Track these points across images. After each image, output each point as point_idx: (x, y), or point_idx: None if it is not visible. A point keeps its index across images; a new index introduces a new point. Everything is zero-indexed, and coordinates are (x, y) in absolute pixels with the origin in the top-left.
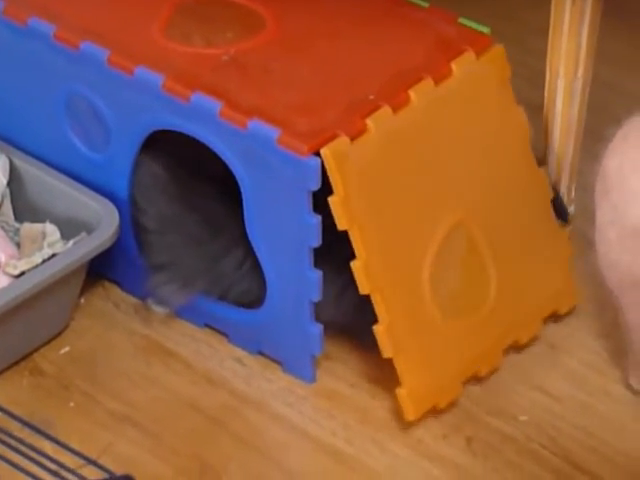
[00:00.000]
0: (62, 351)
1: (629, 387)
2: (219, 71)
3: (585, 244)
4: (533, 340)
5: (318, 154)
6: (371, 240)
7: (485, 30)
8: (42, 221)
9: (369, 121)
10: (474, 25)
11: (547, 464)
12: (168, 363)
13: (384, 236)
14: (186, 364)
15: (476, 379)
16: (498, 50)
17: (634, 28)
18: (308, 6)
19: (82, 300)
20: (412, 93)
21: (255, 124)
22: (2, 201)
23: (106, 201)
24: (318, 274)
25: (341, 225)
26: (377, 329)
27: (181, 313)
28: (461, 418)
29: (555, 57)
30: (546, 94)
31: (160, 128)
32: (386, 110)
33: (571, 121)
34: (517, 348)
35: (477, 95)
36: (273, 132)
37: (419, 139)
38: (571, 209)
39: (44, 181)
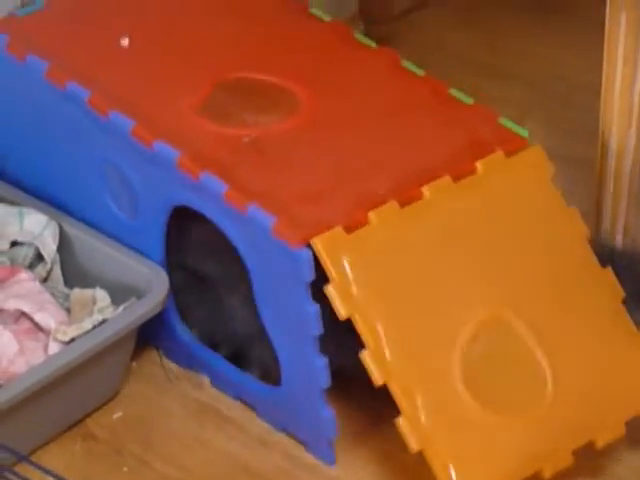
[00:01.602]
0: (115, 416)
1: None
2: (236, 153)
3: None
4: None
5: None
6: (380, 329)
7: (523, 132)
8: (92, 286)
9: (372, 214)
10: (513, 126)
11: None
12: (221, 426)
13: (398, 326)
14: (239, 427)
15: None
16: (535, 150)
17: None
18: (349, 91)
19: (134, 364)
20: (425, 189)
21: (254, 210)
22: (52, 267)
23: (155, 265)
24: (325, 361)
25: (340, 314)
26: (400, 421)
27: (214, 381)
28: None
29: (608, 114)
30: (599, 151)
31: (179, 204)
32: (392, 204)
33: (624, 177)
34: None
35: (509, 194)
36: (270, 220)
37: (433, 234)
38: None
39: (93, 246)
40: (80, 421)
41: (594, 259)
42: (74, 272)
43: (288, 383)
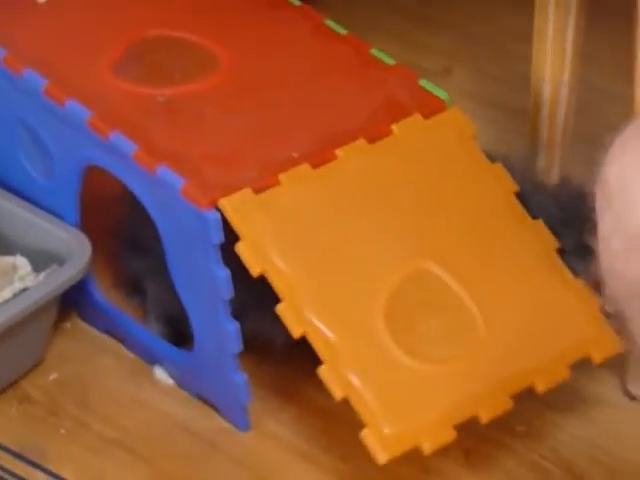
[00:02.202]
0: (50, 377)
1: (627, 393)
2: (149, 112)
3: None
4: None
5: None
6: (296, 282)
7: (442, 95)
8: (12, 252)
9: (282, 176)
10: (433, 88)
11: (549, 476)
12: (157, 385)
13: (315, 280)
14: (176, 386)
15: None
16: (453, 112)
17: (616, 30)
18: (270, 51)
19: (68, 324)
20: (339, 151)
21: (164, 171)
22: None
23: (77, 232)
24: (236, 325)
25: (254, 271)
26: (321, 371)
27: (129, 346)
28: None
29: (540, 62)
30: (532, 100)
31: (90, 163)
32: (304, 167)
33: (558, 127)
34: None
35: (427, 153)
36: (179, 181)
37: (347, 193)
38: None
39: (12, 212)
40: (15, 383)
41: (523, 212)
42: None
43: (200, 348)
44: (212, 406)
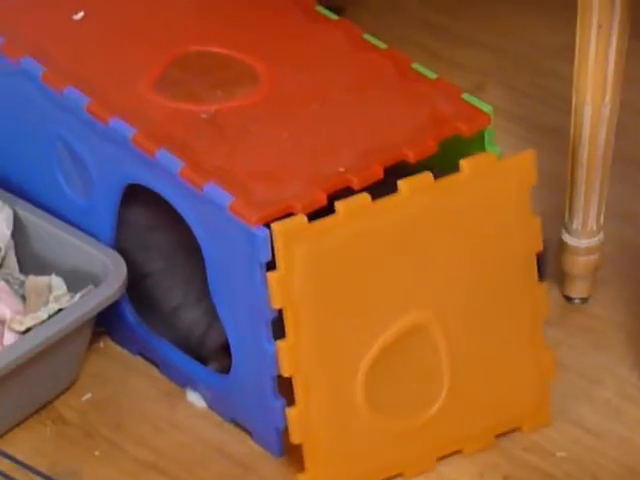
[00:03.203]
0: (84, 398)
1: None
2: (193, 129)
3: (613, 273)
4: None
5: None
6: (305, 324)
7: (486, 108)
8: (48, 272)
9: (339, 205)
10: (476, 102)
11: None
12: (191, 407)
13: (322, 323)
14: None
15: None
16: (526, 155)
17: None
18: (310, 66)
19: (101, 344)
20: (402, 184)
21: (211, 188)
22: (6, 253)
23: (112, 252)
24: (276, 347)
25: (275, 302)
26: (290, 412)
27: (162, 369)
28: (497, 455)
29: (582, 83)
30: (573, 121)
31: (133, 182)
32: (363, 197)
33: (599, 147)
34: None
35: (487, 201)
36: (227, 198)
37: (390, 235)
38: (600, 236)
39: (49, 232)
40: (49, 403)
41: (534, 273)
42: (29, 258)
43: (238, 371)
44: (245, 430)
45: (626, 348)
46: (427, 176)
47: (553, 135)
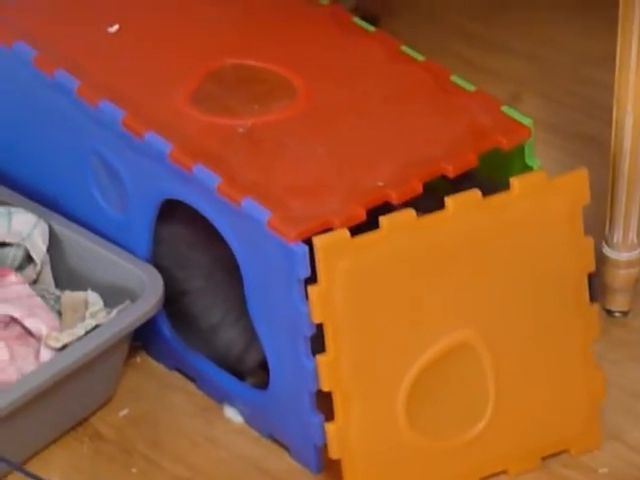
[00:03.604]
0: (121, 414)
1: None
2: (230, 143)
3: None
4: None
5: (310, 241)
6: (345, 339)
7: (526, 121)
8: (83, 288)
9: (383, 220)
10: (515, 114)
11: None
12: (229, 423)
13: (364, 339)
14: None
15: None
16: (579, 175)
17: None
18: (347, 78)
19: (138, 359)
20: (450, 201)
21: (249, 203)
22: (42, 268)
23: (149, 267)
24: (315, 363)
25: (316, 317)
26: (329, 427)
27: (199, 384)
28: (537, 471)
29: (622, 93)
30: (614, 131)
31: (169, 197)
32: (408, 213)
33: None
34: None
35: (537, 220)
36: (265, 213)
37: (437, 253)
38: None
39: (85, 247)
40: (85, 419)
41: (585, 294)
42: (65, 273)
43: (276, 386)
44: (283, 446)
45: None
46: (475, 193)
47: (592, 145)
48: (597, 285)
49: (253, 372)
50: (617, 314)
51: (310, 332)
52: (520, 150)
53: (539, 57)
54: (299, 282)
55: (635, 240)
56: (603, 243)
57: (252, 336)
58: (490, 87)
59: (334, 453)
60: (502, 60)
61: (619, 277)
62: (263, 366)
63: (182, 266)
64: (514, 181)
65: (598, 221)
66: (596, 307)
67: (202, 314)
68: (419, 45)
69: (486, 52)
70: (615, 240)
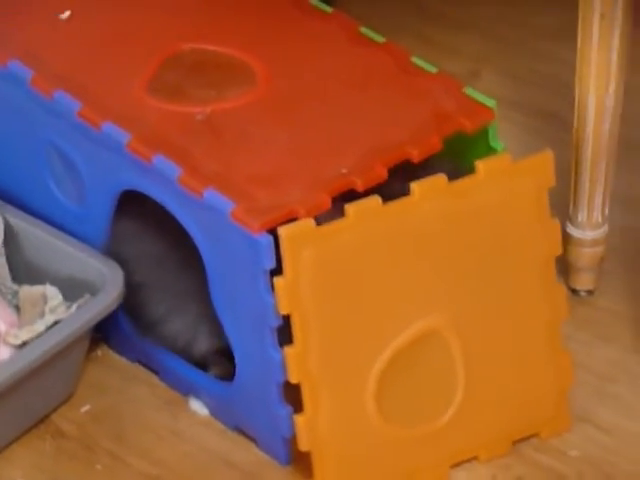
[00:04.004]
0: (83, 409)
1: None
2: (190, 132)
3: (618, 263)
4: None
5: (274, 231)
6: (313, 330)
7: (490, 103)
8: (41, 281)
9: (349, 208)
10: (479, 96)
11: None
12: (194, 416)
13: (331, 329)
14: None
15: None
16: (544, 157)
17: None
18: (307, 62)
19: (99, 352)
20: (416, 187)
21: (211, 194)
22: None
23: (109, 260)
24: (282, 355)
25: (282, 308)
26: (298, 419)
27: (163, 377)
28: (509, 456)
29: (585, 74)
30: (576, 111)
31: (128, 188)
32: (374, 200)
33: (603, 138)
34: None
35: (503, 203)
36: (227, 204)
37: (403, 239)
38: (605, 227)
39: (42, 240)
40: (46, 417)
41: (553, 276)
42: (22, 267)
43: (242, 378)
44: (250, 438)
45: (634, 341)
46: (440, 178)
47: (553, 122)
48: None
49: (216, 362)
50: (583, 293)
51: (277, 323)
52: (484, 132)
53: (496, 34)
54: (264, 273)
55: (600, 219)
56: (567, 222)
57: (201, 326)
58: (449, 64)
59: (303, 445)
60: (460, 37)
61: (584, 256)
62: (226, 355)
63: (130, 258)
64: (479, 164)
65: (561, 200)
66: (563, 289)
67: (148, 307)
68: (376, 23)
69: (444, 29)
70: (580, 219)
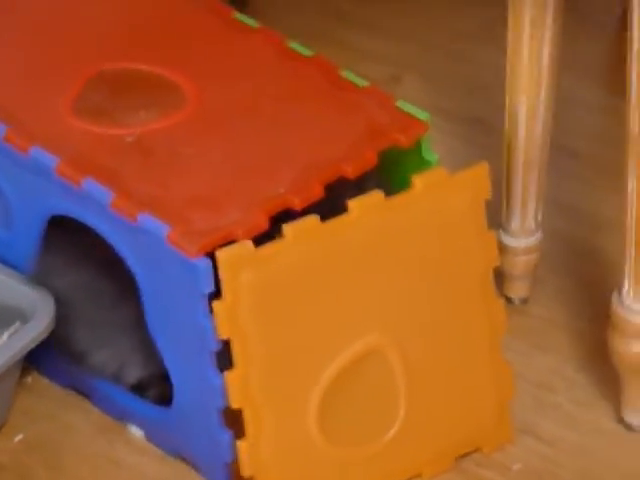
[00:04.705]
0: (16, 439)
1: (621, 421)
2: (120, 154)
3: (550, 269)
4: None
5: (212, 254)
6: (254, 354)
7: (423, 116)
8: None
9: (287, 228)
10: (411, 109)
11: None
12: (130, 442)
13: (272, 352)
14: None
15: None
16: (480, 169)
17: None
18: (236, 78)
19: (29, 379)
20: (353, 204)
21: (145, 218)
22: None
23: (39, 287)
24: (222, 379)
25: (222, 333)
26: (240, 445)
27: (96, 402)
28: (451, 473)
29: (516, 82)
30: (507, 118)
31: (58, 213)
32: (311, 219)
33: (535, 144)
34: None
35: (441, 217)
36: (163, 228)
37: (341, 257)
38: (538, 234)
39: None
40: None
41: (491, 289)
42: None
43: (181, 404)
44: (190, 464)
45: (570, 349)
46: (377, 194)
47: (477, 126)
48: None
49: (152, 386)
50: (517, 301)
51: (216, 347)
52: (416, 144)
53: (416, 37)
54: (203, 297)
55: (533, 225)
56: (500, 231)
57: (132, 356)
58: (369, 69)
59: (246, 470)
60: (379, 41)
61: (518, 264)
62: (163, 379)
63: (57, 289)
64: (415, 179)
65: (492, 208)
66: (502, 301)
67: (73, 338)
68: (293, 27)
69: (364, 35)
70: (513, 227)
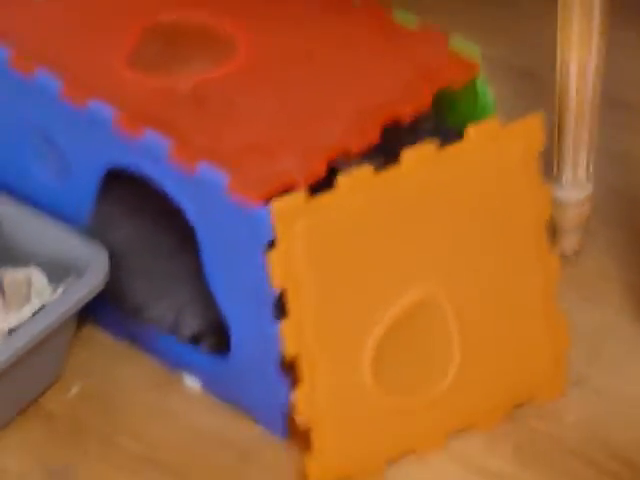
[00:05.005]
0: (72, 392)
1: None
2: (175, 106)
3: (602, 221)
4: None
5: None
6: (308, 303)
7: (475, 54)
8: (23, 263)
9: (341, 179)
10: (465, 46)
11: (603, 468)
12: (185, 394)
13: (326, 301)
14: (205, 394)
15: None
16: (534, 120)
17: None
18: (286, 26)
19: (85, 332)
20: (405, 155)
21: (204, 168)
22: None
23: (94, 241)
24: (279, 328)
25: (277, 282)
26: (296, 393)
27: (155, 353)
28: (506, 424)
29: (567, 34)
30: (559, 69)
31: (115, 166)
32: (366, 169)
33: (587, 97)
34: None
35: (494, 169)
36: (222, 177)
37: (396, 209)
38: (589, 187)
39: (23, 220)
40: (35, 401)
41: (545, 241)
42: (2, 249)
43: (239, 353)
44: (245, 412)
45: (622, 301)
46: (430, 145)
47: (527, 78)
48: None
49: (208, 336)
50: (568, 254)
51: (273, 297)
52: (471, 85)
53: None
54: (263, 246)
55: (584, 178)
56: (551, 184)
57: (189, 308)
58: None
59: (302, 418)
60: None
61: (570, 217)
62: (219, 330)
63: (112, 243)
64: (469, 130)
65: (543, 160)
66: (556, 250)
67: (130, 292)
68: None
69: None
70: (564, 180)
